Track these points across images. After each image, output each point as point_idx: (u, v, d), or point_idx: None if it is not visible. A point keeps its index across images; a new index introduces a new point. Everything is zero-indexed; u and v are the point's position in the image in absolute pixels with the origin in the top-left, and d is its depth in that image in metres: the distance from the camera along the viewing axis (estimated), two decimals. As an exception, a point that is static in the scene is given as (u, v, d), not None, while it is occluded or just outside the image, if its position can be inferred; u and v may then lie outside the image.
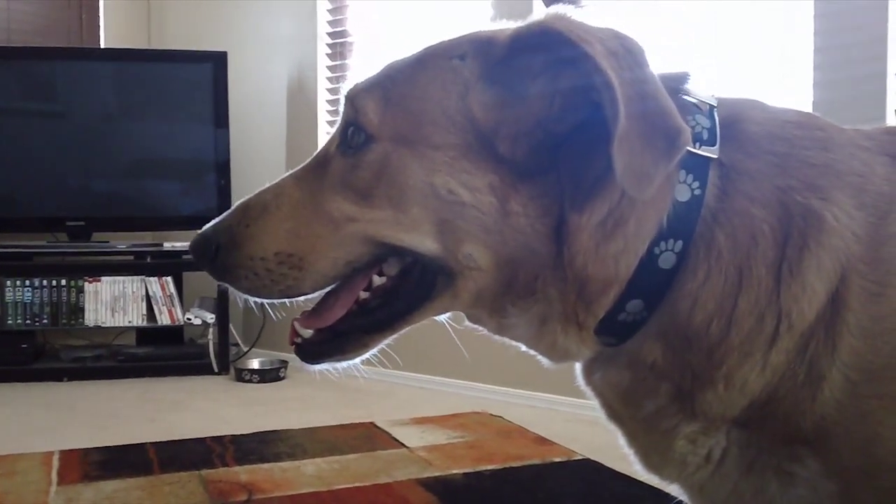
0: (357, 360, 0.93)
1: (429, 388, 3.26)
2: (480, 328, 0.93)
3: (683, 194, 0.78)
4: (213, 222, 0.90)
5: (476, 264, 0.82)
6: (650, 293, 0.79)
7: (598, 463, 2.14)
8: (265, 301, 0.89)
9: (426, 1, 3.41)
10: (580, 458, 2.21)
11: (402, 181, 0.82)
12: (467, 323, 0.95)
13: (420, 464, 2.16)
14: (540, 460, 2.20)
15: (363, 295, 0.89)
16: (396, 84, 0.85)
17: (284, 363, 3.55)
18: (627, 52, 0.74)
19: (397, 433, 2.48)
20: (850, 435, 0.74)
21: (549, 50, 0.77)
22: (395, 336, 0.92)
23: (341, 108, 0.90)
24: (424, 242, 0.82)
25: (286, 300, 0.89)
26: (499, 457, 2.23)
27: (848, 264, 0.75)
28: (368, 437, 2.45)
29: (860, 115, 2.18)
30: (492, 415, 2.74)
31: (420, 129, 0.82)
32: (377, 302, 0.89)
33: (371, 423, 2.61)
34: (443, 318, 0.94)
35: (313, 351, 0.90)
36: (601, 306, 0.80)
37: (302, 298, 0.89)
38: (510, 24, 0.85)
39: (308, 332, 0.90)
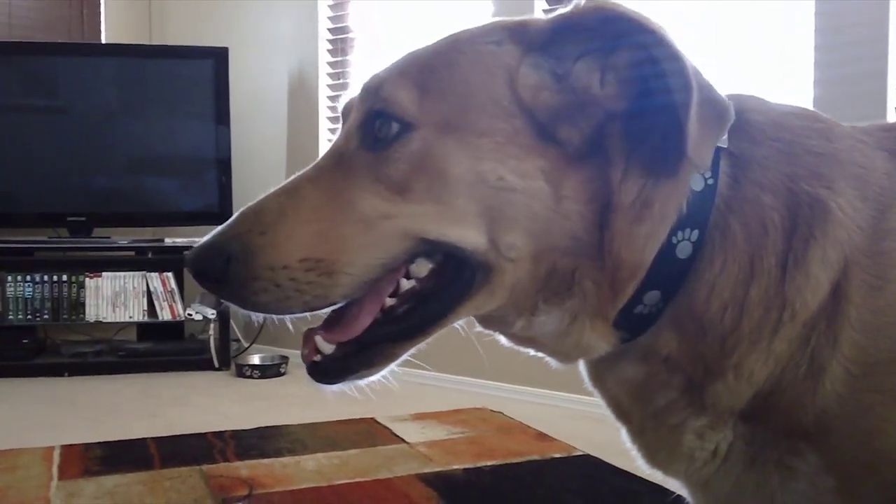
0: (380, 374, 0.85)
1: (429, 385, 3.26)
2: (492, 332, 0.90)
3: (697, 183, 0.79)
4: (215, 232, 0.80)
5: (517, 255, 0.79)
6: (667, 284, 0.79)
7: (598, 459, 2.14)
8: (286, 317, 0.81)
9: (425, 2, 3.41)
10: (580, 453, 2.21)
11: (446, 170, 0.77)
12: (478, 328, 0.91)
13: (420, 459, 2.16)
14: (540, 456, 2.20)
15: (389, 301, 0.82)
16: (433, 70, 0.80)
17: (285, 359, 3.55)
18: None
19: (397, 429, 2.48)
20: (850, 429, 0.75)
21: (604, 31, 0.76)
22: (425, 342, 0.85)
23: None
24: (469, 235, 0.78)
25: (308, 313, 0.80)
26: (499, 452, 2.23)
27: (851, 256, 0.76)
28: (369, 432, 2.45)
29: (860, 112, 2.18)
30: (492, 411, 2.75)
31: (465, 115, 0.78)
32: (406, 307, 0.82)
33: (371, 418, 2.62)
34: (457, 323, 0.87)
35: (336, 367, 0.82)
36: (626, 296, 0.80)
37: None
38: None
39: (330, 348, 0.82)
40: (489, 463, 2.13)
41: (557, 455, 2.21)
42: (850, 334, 0.74)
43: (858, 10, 2.27)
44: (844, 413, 0.74)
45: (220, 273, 0.77)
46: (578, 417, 2.64)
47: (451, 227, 0.78)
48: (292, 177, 0.83)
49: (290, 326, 0.87)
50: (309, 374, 0.83)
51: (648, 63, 0.75)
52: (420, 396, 3.06)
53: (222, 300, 0.81)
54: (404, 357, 0.85)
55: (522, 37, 0.81)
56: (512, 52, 0.80)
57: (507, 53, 0.80)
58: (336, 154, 0.83)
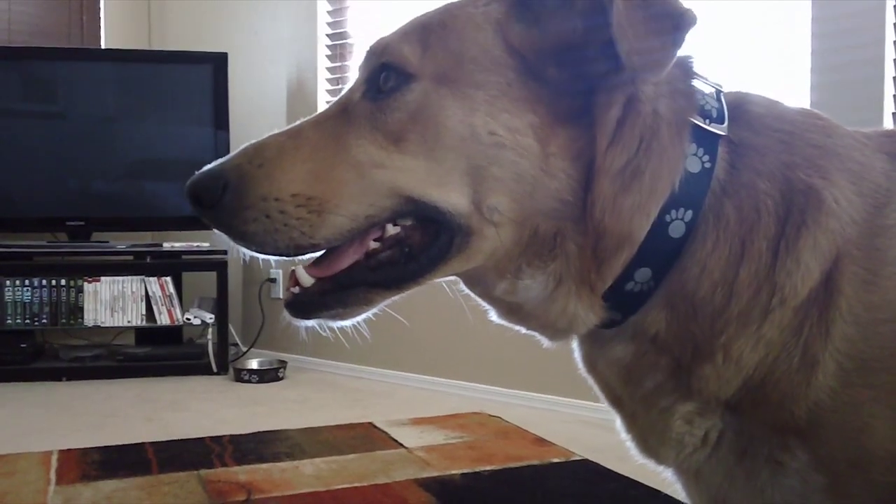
0: (355, 319, 0.87)
1: (427, 389, 3.26)
2: (481, 300, 0.91)
3: (694, 166, 0.80)
4: (217, 161, 0.84)
5: (499, 218, 0.81)
6: (659, 261, 0.80)
7: (597, 464, 2.14)
8: (270, 256, 0.83)
9: (426, 3, 3.41)
10: (578, 458, 2.21)
11: (440, 122, 0.80)
12: (462, 288, 0.92)
13: (418, 464, 2.16)
14: (538, 461, 2.20)
15: (373, 245, 0.85)
16: (432, 30, 0.84)
17: (283, 363, 3.55)
18: None
19: (396, 433, 2.48)
20: (841, 424, 0.75)
21: None
22: (401, 295, 0.87)
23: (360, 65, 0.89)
24: (452, 196, 0.80)
25: (293, 256, 0.82)
26: (497, 457, 2.23)
27: (843, 247, 0.76)
28: (367, 437, 2.45)
29: (857, 118, 2.19)
30: (490, 415, 2.75)
31: (461, 66, 0.82)
32: (387, 255, 0.85)
33: (370, 423, 2.62)
34: (443, 281, 0.89)
35: (311, 302, 0.84)
36: (612, 268, 0.81)
37: (306, 257, 0.84)
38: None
39: (310, 281, 0.84)
40: (488, 468, 2.13)
41: (556, 460, 2.21)
42: (842, 327, 0.75)
43: (855, 15, 2.28)
44: (836, 407, 0.75)
45: (214, 199, 0.81)
46: (577, 422, 2.65)
47: (436, 188, 0.80)
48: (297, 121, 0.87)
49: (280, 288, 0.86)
50: (286, 307, 0.85)
51: None
52: (418, 401, 3.06)
53: (214, 227, 0.84)
54: (380, 307, 0.87)
55: None
56: (498, 7, 0.84)
57: (494, 10, 0.84)
58: (341, 104, 0.87)
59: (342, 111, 0.86)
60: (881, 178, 0.80)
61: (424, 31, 0.85)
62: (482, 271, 0.86)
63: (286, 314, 0.86)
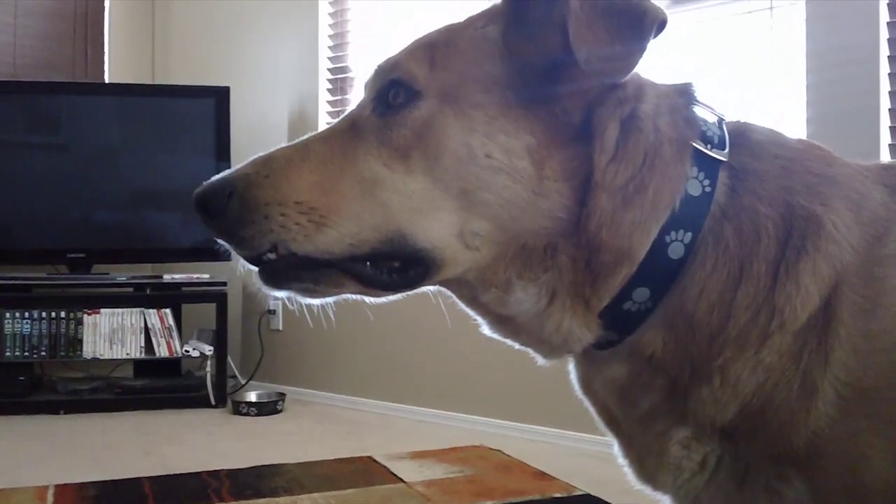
0: (324, 300, 0.88)
1: (427, 421, 3.24)
2: (462, 303, 0.91)
3: (695, 189, 0.81)
4: (225, 172, 0.85)
5: (479, 242, 0.82)
6: (658, 282, 0.80)
7: (599, 498, 2.12)
8: (263, 254, 0.82)
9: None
10: (581, 493, 2.19)
11: (441, 141, 0.82)
12: (462, 307, 0.92)
13: (418, 499, 2.14)
14: (540, 495, 2.18)
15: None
16: (437, 47, 0.86)
17: (282, 396, 3.53)
18: None
19: (395, 467, 2.46)
20: (839, 455, 0.75)
21: None
22: (376, 299, 0.88)
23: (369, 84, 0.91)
24: (434, 229, 0.81)
25: (280, 255, 0.81)
26: (498, 492, 2.21)
27: (842, 274, 0.77)
28: (366, 471, 2.43)
29: (854, 149, 2.20)
30: (491, 448, 2.72)
31: (463, 86, 0.83)
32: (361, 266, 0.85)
33: (369, 457, 2.60)
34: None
35: (285, 272, 0.83)
36: (610, 285, 0.80)
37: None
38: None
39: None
40: (488, 502, 2.11)
41: (558, 494, 2.19)
42: (840, 355, 0.75)
43: (849, 48, 2.30)
44: (834, 437, 0.74)
45: (220, 207, 0.82)
46: (579, 455, 2.62)
47: (425, 216, 0.81)
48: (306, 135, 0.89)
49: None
50: (258, 273, 0.85)
51: (554, 0, 0.80)
52: (418, 434, 3.04)
53: (217, 237, 0.85)
54: (350, 297, 0.87)
55: (497, 17, 0.87)
56: (495, 28, 0.86)
57: (492, 31, 0.86)
58: (349, 120, 0.89)
59: (350, 126, 0.87)
60: (880, 209, 0.81)
61: (430, 49, 0.86)
62: (462, 281, 0.86)
63: (257, 281, 0.85)
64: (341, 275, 0.84)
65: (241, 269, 0.87)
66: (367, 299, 0.89)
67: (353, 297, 0.88)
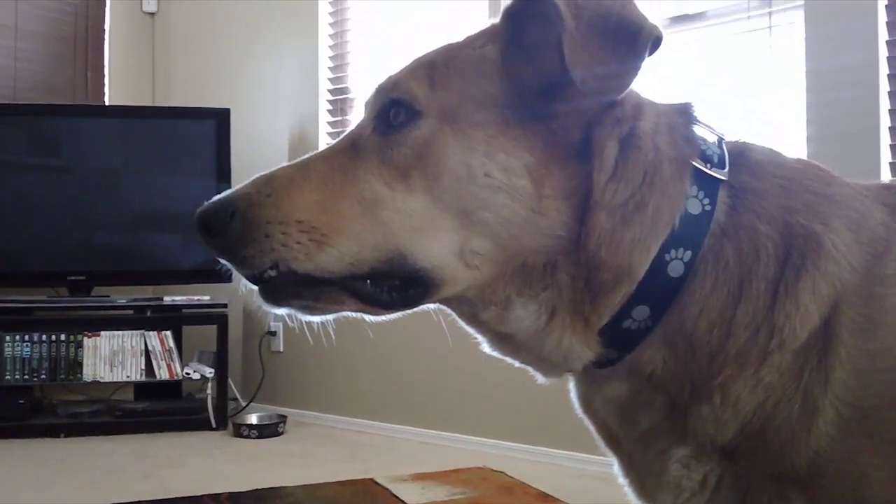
0: (325, 317, 0.87)
1: (429, 442, 3.22)
2: (462, 321, 0.90)
3: (695, 208, 0.81)
4: (227, 192, 0.85)
5: (479, 261, 0.82)
6: (657, 300, 0.80)
7: (602, 519, 2.11)
8: (265, 273, 0.81)
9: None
10: (583, 514, 2.17)
11: (441, 160, 0.82)
12: (463, 325, 0.91)
13: (420, 521, 2.12)
14: (542, 517, 2.16)
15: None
16: (437, 67, 0.87)
17: (283, 418, 3.52)
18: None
19: (397, 489, 2.44)
20: (840, 474, 0.74)
21: (534, 10, 0.83)
22: (375, 318, 0.88)
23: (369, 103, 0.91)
24: (434, 248, 0.81)
25: (280, 272, 0.81)
26: (500, 513, 2.19)
27: (842, 293, 0.76)
28: (368, 493, 2.41)
29: (854, 169, 2.20)
30: (493, 470, 2.71)
31: (462, 105, 0.84)
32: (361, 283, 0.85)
33: (370, 479, 2.58)
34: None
35: (285, 289, 0.83)
36: (609, 303, 0.80)
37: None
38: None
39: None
40: (491, 524, 2.10)
41: (560, 515, 2.17)
42: (841, 374, 0.74)
43: (848, 67, 2.31)
44: (835, 456, 0.74)
45: (222, 226, 0.82)
46: (581, 477, 2.61)
47: (425, 236, 0.81)
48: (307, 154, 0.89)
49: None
50: (259, 291, 0.84)
51: (550, 21, 0.80)
52: (420, 455, 3.02)
53: (219, 256, 0.84)
54: (350, 315, 0.87)
55: (495, 36, 0.87)
56: (493, 48, 0.86)
57: (490, 51, 0.86)
58: (350, 139, 0.89)
59: (351, 146, 0.87)
60: (880, 228, 0.81)
61: (430, 69, 0.87)
62: (462, 298, 0.86)
63: (258, 299, 0.85)
64: (341, 292, 0.84)
65: (244, 289, 0.87)
66: (368, 318, 0.89)
67: (354, 314, 0.88)
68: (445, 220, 0.81)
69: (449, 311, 0.91)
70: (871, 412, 0.74)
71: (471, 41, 0.89)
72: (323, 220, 0.82)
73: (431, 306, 0.90)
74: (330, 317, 0.88)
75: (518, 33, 0.85)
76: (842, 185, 0.85)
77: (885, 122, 2.28)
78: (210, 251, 0.85)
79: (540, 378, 0.91)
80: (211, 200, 0.85)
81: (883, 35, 2.28)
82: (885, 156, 2.28)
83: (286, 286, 0.83)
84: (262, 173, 0.86)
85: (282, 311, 0.86)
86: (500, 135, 0.82)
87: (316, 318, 0.88)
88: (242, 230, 0.82)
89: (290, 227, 0.81)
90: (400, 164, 0.83)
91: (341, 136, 0.91)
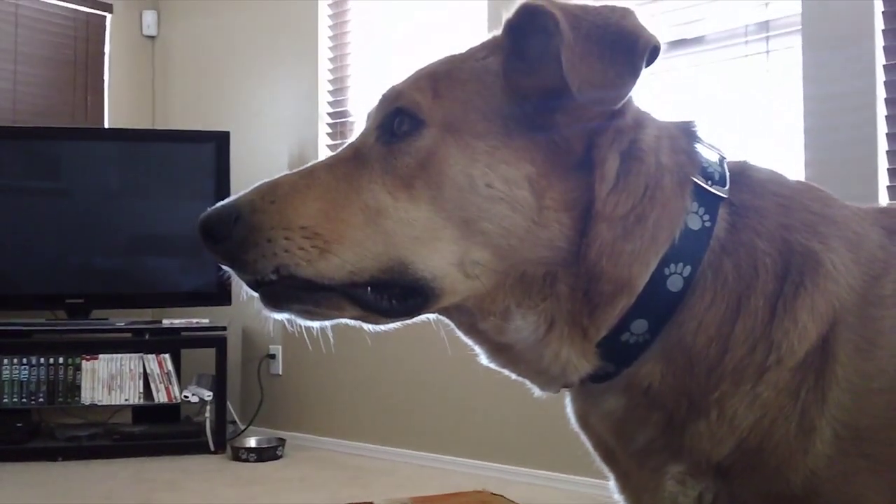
0: (325, 323, 0.88)
1: (428, 466, 3.21)
2: (460, 332, 0.90)
3: (695, 223, 0.81)
4: (229, 198, 0.85)
5: (479, 271, 0.82)
6: (656, 314, 0.80)
7: (604, 544, 2.09)
8: (266, 275, 0.81)
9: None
10: (585, 539, 2.16)
11: (443, 170, 0.82)
12: (463, 338, 0.91)
13: (421, 546, 2.11)
14: (544, 542, 2.15)
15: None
16: (440, 78, 0.87)
17: (282, 441, 3.50)
18: (590, 9, 0.81)
19: (398, 514, 2.43)
20: (836, 495, 0.74)
21: (535, 24, 0.84)
22: (375, 328, 0.88)
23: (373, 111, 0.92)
24: (435, 258, 0.81)
25: (281, 277, 0.81)
26: (502, 538, 2.18)
27: (839, 312, 0.77)
28: (368, 518, 2.40)
29: (852, 193, 2.22)
30: (493, 493, 2.69)
31: (465, 115, 0.84)
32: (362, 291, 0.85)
33: (370, 503, 2.56)
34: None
35: (285, 294, 0.83)
36: (608, 315, 0.80)
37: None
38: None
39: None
40: (492, 549, 2.08)
41: (562, 540, 2.16)
42: (837, 394, 0.75)
43: (847, 94, 2.32)
44: (831, 476, 0.74)
45: (225, 232, 0.82)
46: (581, 499, 2.59)
47: (426, 246, 0.81)
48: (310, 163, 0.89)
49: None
50: (260, 296, 0.84)
51: (551, 34, 0.81)
52: (419, 478, 3.00)
53: (221, 262, 0.84)
54: (349, 322, 0.87)
55: (497, 49, 0.88)
56: (495, 60, 0.87)
57: (493, 62, 0.87)
58: (353, 148, 0.89)
59: (354, 155, 0.88)
60: (877, 250, 0.81)
61: (433, 79, 0.87)
62: (461, 308, 0.86)
63: (258, 304, 0.85)
64: (342, 298, 0.83)
65: (244, 296, 0.87)
66: (367, 326, 0.89)
67: (353, 322, 0.88)
68: (447, 230, 0.82)
69: (448, 321, 0.91)
70: (867, 433, 0.74)
71: (473, 53, 0.90)
72: (326, 228, 0.82)
73: (431, 316, 0.90)
74: (328, 323, 0.88)
75: (519, 45, 0.85)
76: (840, 207, 0.86)
77: (882, 146, 2.30)
78: (211, 256, 0.85)
79: (537, 391, 0.91)
80: (214, 206, 0.85)
81: (880, 60, 2.30)
82: (883, 180, 2.30)
83: (287, 290, 0.83)
84: (265, 181, 0.87)
85: (282, 315, 0.86)
86: (502, 146, 0.82)
87: (316, 324, 0.88)
88: (245, 235, 0.81)
89: (294, 232, 0.81)
90: (403, 173, 0.83)
91: (344, 146, 0.91)
